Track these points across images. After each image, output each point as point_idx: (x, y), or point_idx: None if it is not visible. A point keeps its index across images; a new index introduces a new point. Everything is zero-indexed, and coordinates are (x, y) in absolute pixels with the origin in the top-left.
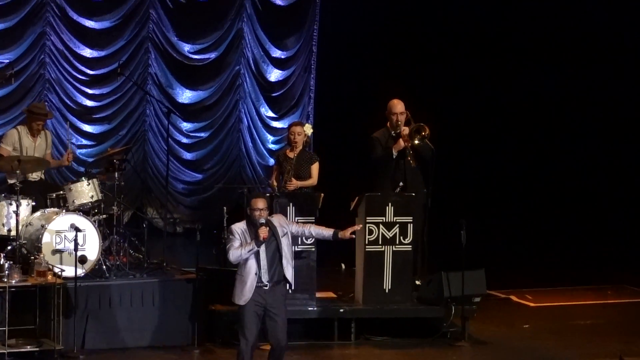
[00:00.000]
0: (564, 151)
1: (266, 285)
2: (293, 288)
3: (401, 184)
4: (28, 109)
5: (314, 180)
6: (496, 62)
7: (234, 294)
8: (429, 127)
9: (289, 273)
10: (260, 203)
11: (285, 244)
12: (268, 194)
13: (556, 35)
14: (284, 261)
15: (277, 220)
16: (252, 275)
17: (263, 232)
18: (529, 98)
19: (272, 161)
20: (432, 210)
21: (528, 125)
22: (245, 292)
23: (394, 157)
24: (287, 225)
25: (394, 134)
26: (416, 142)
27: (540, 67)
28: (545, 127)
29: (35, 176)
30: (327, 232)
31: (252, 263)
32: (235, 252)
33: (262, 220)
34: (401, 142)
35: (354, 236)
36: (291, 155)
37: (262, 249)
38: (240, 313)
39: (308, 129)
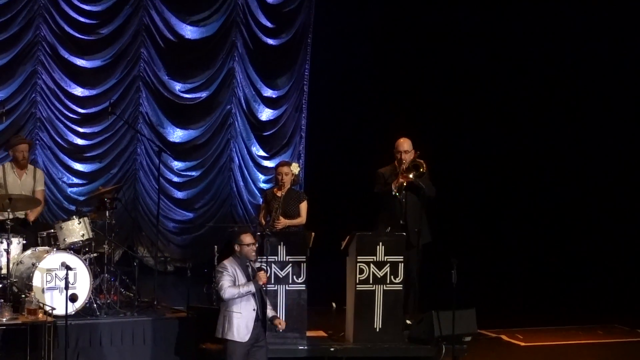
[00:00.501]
0: (554, 190)
1: (259, 320)
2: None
3: (401, 222)
4: (9, 144)
5: (302, 219)
6: (488, 102)
7: (231, 332)
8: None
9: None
10: (249, 238)
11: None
12: (259, 233)
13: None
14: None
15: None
16: (251, 311)
17: (263, 277)
18: (521, 138)
19: (262, 200)
20: (423, 250)
21: (518, 164)
22: (250, 328)
23: (394, 193)
24: None
25: (398, 172)
26: (411, 176)
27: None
28: (535, 167)
29: (24, 214)
30: (269, 309)
31: (250, 299)
32: (232, 291)
33: (258, 265)
34: (399, 179)
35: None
36: (279, 194)
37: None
38: (231, 350)
39: (295, 168)
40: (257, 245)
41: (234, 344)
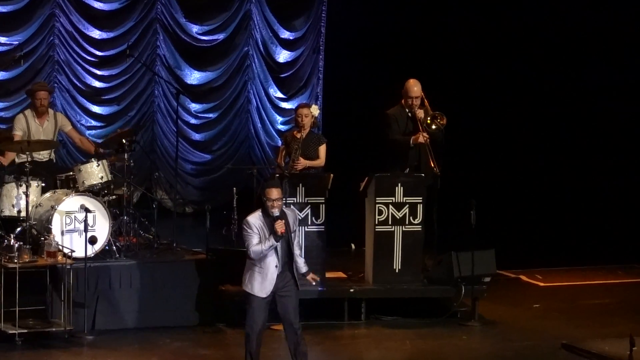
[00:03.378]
0: (576, 129)
1: (284, 272)
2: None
3: (415, 165)
4: (30, 89)
5: (321, 161)
6: (512, 46)
7: (250, 284)
8: (439, 105)
9: (299, 269)
10: (275, 193)
11: (293, 240)
12: (278, 175)
13: (580, 30)
14: (295, 257)
15: (292, 215)
16: (273, 267)
17: (280, 226)
18: (542, 82)
19: (281, 142)
20: (442, 191)
21: (539, 105)
22: (267, 285)
23: (411, 146)
24: (295, 225)
25: (409, 114)
26: (433, 127)
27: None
28: (556, 108)
29: (42, 156)
30: (301, 265)
31: (273, 255)
32: (257, 249)
33: (277, 213)
34: (419, 137)
35: (312, 283)
36: (298, 136)
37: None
38: (251, 302)
39: (315, 110)
40: (282, 201)
41: (253, 296)
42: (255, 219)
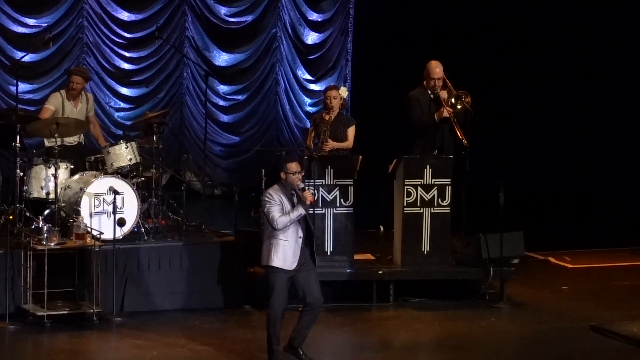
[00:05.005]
0: (603, 110)
1: (306, 247)
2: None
3: (437, 148)
4: (69, 70)
5: (349, 142)
6: (543, 26)
7: (276, 257)
8: (467, 88)
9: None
10: (296, 166)
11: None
12: (306, 157)
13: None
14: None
15: None
16: (296, 238)
17: (310, 195)
18: (569, 63)
19: (309, 124)
20: (470, 173)
21: (567, 86)
22: (291, 257)
23: (437, 122)
24: None
25: (432, 95)
26: (459, 107)
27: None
28: (585, 88)
29: (72, 140)
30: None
31: (297, 226)
32: (284, 219)
33: (302, 185)
34: (444, 111)
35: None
36: (327, 118)
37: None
38: (274, 277)
39: (343, 92)
40: (303, 173)
41: (279, 270)
42: (275, 191)
